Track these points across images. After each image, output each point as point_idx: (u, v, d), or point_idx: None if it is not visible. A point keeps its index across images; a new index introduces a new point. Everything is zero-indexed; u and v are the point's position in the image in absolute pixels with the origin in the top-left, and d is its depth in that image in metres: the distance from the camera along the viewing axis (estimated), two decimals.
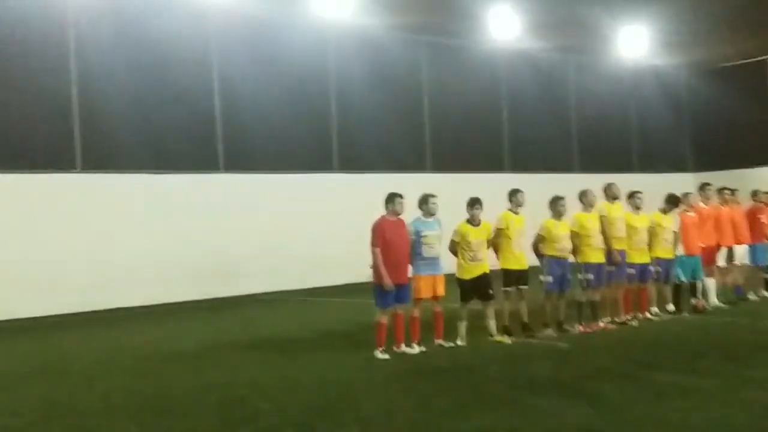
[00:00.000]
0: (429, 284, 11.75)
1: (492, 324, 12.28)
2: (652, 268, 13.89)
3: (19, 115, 18.04)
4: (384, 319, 11.38)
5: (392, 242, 11.30)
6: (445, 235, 12.06)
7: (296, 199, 20.85)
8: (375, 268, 11.31)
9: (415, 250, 11.76)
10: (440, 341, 11.96)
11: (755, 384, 9.25)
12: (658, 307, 14.22)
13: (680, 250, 14.42)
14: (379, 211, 11.67)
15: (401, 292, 11.44)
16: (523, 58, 26.16)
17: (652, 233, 13.91)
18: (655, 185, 16.29)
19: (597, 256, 13.00)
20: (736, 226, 15.66)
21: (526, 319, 12.65)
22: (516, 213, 12.59)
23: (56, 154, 18.49)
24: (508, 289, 12.52)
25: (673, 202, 14.33)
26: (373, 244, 11.32)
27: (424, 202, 11.89)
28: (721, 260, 15.45)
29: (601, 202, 13.45)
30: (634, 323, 13.52)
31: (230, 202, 20.22)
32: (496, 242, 12.49)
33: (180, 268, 19.28)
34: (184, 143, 20.08)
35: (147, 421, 8.56)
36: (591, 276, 12.91)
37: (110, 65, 18.97)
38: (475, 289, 12.09)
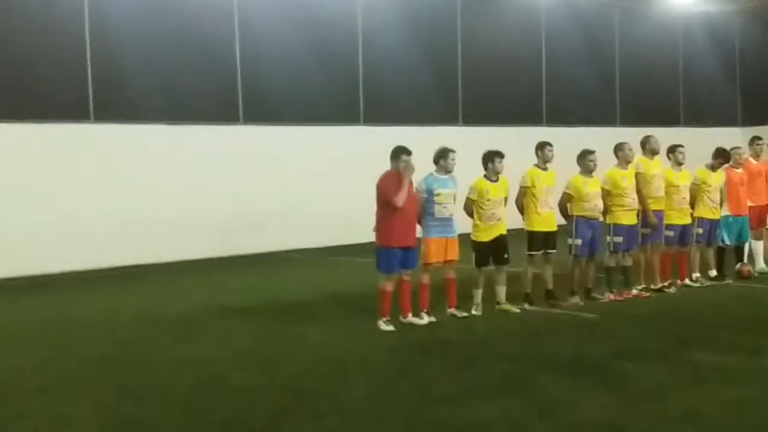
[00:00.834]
0: (440, 247, 10.39)
1: (501, 291, 10.93)
2: (693, 230, 12.31)
3: (31, 63, 16.83)
4: (388, 286, 10.07)
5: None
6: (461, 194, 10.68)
7: (320, 153, 19.47)
8: (377, 224, 9.97)
9: (426, 209, 10.39)
10: (453, 310, 10.63)
11: None
12: (700, 273, 12.68)
13: (726, 210, 12.80)
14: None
15: (408, 255, 10.12)
16: (565, 3, 24.33)
17: (696, 191, 12.35)
18: (701, 140, 14.69)
19: (629, 218, 11.52)
20: None
21: (550, 285, 11.25)
22: (544, 168, 11.13)
23: (69, 103, 17.29)
24: (533, 253, 11.09)
25: (721, 156, 12.70)
26: (383, 200, 9.95)
27: (442, 156, 10.49)
28: None
29: (638, 157, 11.90)
30: (672, 290, 12.05)
31: (251, 155, 18.89)
32: (520, 201, 11.05)
33: (198, 223, 18.09)
34: (203, 93, 18.73)
35: (103, 403, 7.40)
36: (620, 239, 11.41)
37: (126, 11, 17.68)
38: (492, 251, 10.69)
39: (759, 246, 13.50)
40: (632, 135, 12.89)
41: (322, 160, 19.44)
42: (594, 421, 6.50)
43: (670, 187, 11.98)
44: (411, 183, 10.16)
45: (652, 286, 11.94)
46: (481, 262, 10.70)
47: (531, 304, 10.98)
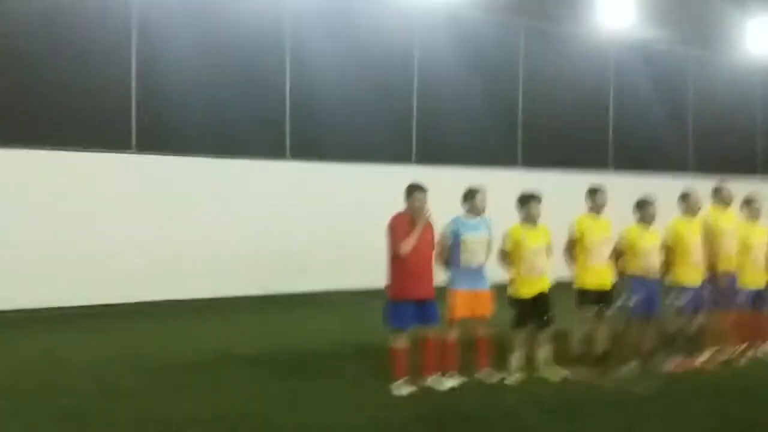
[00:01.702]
0: (468, 301, 8.78)
1: (542, 355, 9.21)
2: None
3: (74, 90, 15.79)
4: (400, 343, 8.47)
5: (414, 245, 8.40)
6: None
7: (369, 192, 17.96)
8: (388, 273, 8.41)
9: (452, 257, 8.78)
10: (486, 372, 8.93)
11: None
12: None
13: None
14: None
15: (425, 309, 8.51)
16: (636, 49, 22.50)
17: None
18: None
19: (694, 278, 9.72)
20: None
21: (601, 350, 9.46)
22: (596, 216, 9.42)
23: (111, 132, 16.19)
24: (584, 309, 9.36)
25: None
26: (393, 247, 8.41)
27: (469, 197, 8.92)
28: None
29: (707, 209, 10.10)
30: (742, 363, 10.11)
31: (296, 192, 17.56)
32: (570, 253, 9.36)
33: (237, 260, 16.78)
34: (249, 127, 17.46)
35: None
36: (684, 301, 9.61)
37: (173, 41, 16.56)
38: (534, 310, 9.00)
39: None
40: (706, 185, 11.06)
41: (371, 200, 17.93)
42: None
43: (744, 245, 10.14)
44: (430, 226, 8.59)
45: (720, 357, 10.06)
46: (519, 322, 9.02)
47: (576, 372, 9.21)
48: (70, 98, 15.63)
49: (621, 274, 9.50)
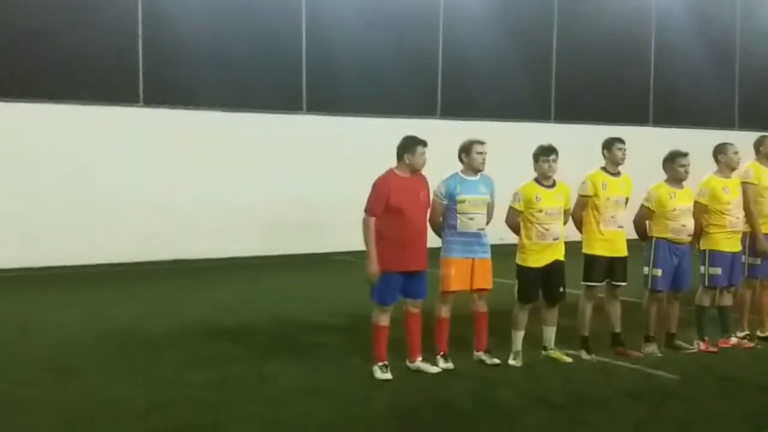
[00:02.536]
0: (464, 271, 7.35)
1: (551, 333, 7.77)
2: None
3: (77, 41, 14.57)
4: (384, 321, 7.10)
5: (401, 209, 6.97)
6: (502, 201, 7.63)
7: (390, 147, 16.52)
8: (366, 242, 7.02)
9: (446, 221, 7.37)
10: (481, 355, 7.58)
11: None
12: None
13: None
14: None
15: (413, 282, 7.11)
16: None
17: None
18: None
19: (731, 243, 8.14)
20: None
21: (617, 328, 8.02)
22: (614, 173, 7.90)
23: (117, 84, 14.97)
24: (592, 284, 7.88)
25: None
26: (368, 209, 7.00)
27: (466, 150, 7.46)
28: None
29: (748, 163, 8.52)
30: None
31: (313, 147, 16.22)
32: (578, 214, 7.88)
33: (250, 219, 15.57)
34: (264, 80, 16.12)
35: None
36: (719, 270, 8.06)
37: None
38: (543, 282, 7.56)
39: None
40: (751, 140, 9.41)
41: (391, 155, 16.50)
42: None
43: None
44: (424, 184, 7.19)
45: (759, 334, 8.56)
46: (526, 296, 7.58)
47: (589, 352, 7.80)
48: (72, 49, 14.54)
49: (646, 238, 7.99)
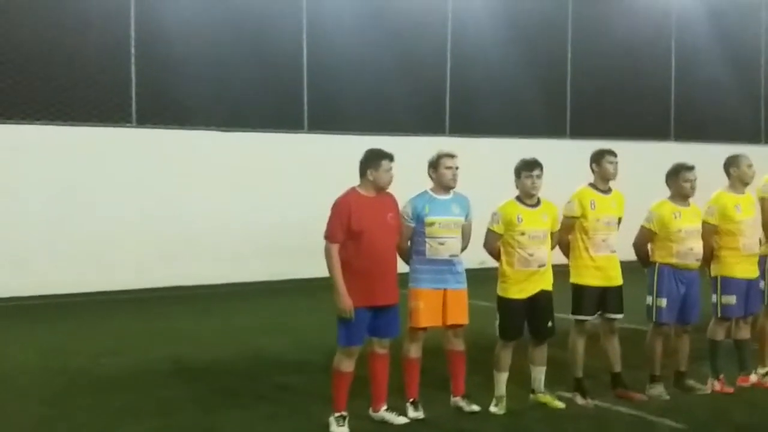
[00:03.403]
0: (435, 304, 6.31)
1: (539, 374, 6.67)
2: None
3: (69, 60, 13.79)
4: (347, 366, 6.04)
5: (365, 233, 5.93)
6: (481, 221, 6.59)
7: (397, 167, 15.51)
8: (331, 275, 6.00)
9: (414, 246, 6.34)
10: (459, 401, 6.49)
11: None
12: None
13: None
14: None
15: (382, 318, 6.06)
16: (701, 3, 19.34)
17: None
18: None
19: (746, 268, 7.01)
20: None
21: (617, 367, 6.91)
22: (603, 190, 6.81)
23: (109, 104, 14.16)
24: (583, 318, 6.77)
25: None
26: (327, 236, 5.99)
27: (433, 165, 6.46)
28: None
29: (765, 178, 7.39)
30: None
31: (315, 167, 15.22)
32: (564, 239, 6.80)
33: (248, 243, 14.60)
34: (263, 98, 15.20)
35: None
36: (733, 299, 6.94)
37: (175, 3, 14.49)
38: (528, 316, 6.48)
39: None
40: None
41: (401, 177, 15.49)
42: None
43: None
44: (393, 205, 6.18)
45: None
46: (509, 332, 6.50)
47: (585, 395, 6.69)
48: (64, 69, 13.76)
49: (648, 264, 6.89)
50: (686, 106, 19.29)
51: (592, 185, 6.85)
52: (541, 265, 6.41)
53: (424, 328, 6.33)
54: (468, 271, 6.46)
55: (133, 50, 14.19)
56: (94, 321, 10.92)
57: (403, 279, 6.27)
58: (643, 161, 14.18)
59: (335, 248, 5.91)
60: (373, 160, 6.07)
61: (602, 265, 6.69)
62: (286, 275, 14.53)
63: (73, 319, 11.09)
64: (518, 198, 6.52)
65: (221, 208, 14.45)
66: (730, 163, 7.09)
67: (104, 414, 6.51)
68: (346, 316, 5.84)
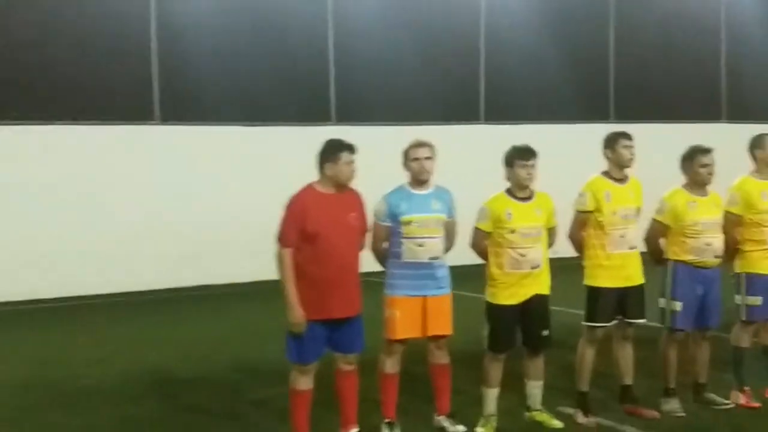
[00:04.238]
0: (414, 313, 5.53)
1: (536, 390, 5.83)
2: None
3: (90, 59, 13.36)
4: (303, 383, 5.29)
5: (322, 236, 5.17)
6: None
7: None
8: (282, 283, 5.28)
9: (390, 247, 5.58)
10: (443, 420, 5.71)
11: None
12: None
13: None
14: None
15: (342, 332, 5.30)
16: None
17: None
18: None
19: None
20: None
21: (629, 379, 6.04)
22: (618, 179, 5.94)
23: (132, 102, 13.71)
24: (595, 324, 5.90)
25: None
26: (279, 238, 5.27)
27: (409, 157, 5.67)
28: None
29: None
30: None
31: None
32: (577, 235, 5.95)
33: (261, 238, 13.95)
34: (288, 91, 14.56)
35: None
36: (759, 299, 6.01)
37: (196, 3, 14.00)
38: (522, 323, 5.67)
39: None
40: None
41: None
42: None
43: None
44: (357, 202, 5.43)
45: None
46: (499, 343, 5.68)
47: (587, 413, 5.84)
48: (86, 68, 13.32)
49: (661, 262, 6.01)
50: (738, 84, 18.00)
51: (606, 173, 5.98)
52: (535, 267, 5.60)
53: (402, 340, 5.58)
54: None
55: (155, 46, 13.70)
56: (99, 325, 10.42)
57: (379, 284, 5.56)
58: (698, 141, 13.16)
59: (288, 253, 5.19)
60: (330, 152, 5.30)
61: (620, 263, 5.80)
62: None
63: (89, 322, 10.66)
64: (508, 191, 5.71)
65: (249, 204, 13.86)
66: (756, 145, 6.15)
67: None
68: (297, 330, 5.12)
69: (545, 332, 5.69)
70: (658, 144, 13.02)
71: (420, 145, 5.60)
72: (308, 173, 5.62)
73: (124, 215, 13.13)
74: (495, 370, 5.69)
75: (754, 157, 6.13)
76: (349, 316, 5.26)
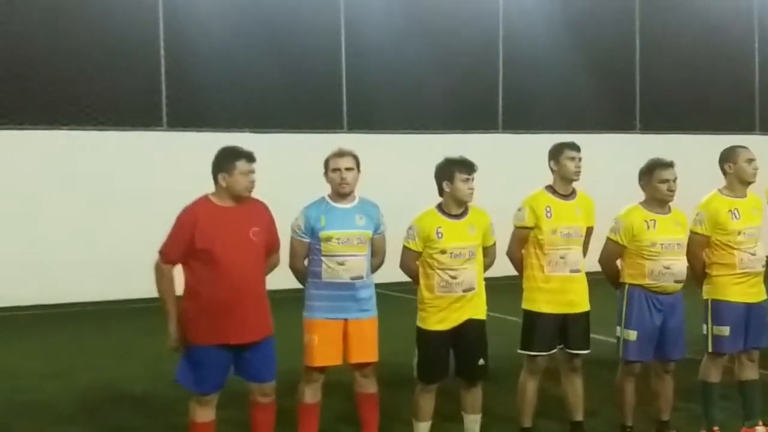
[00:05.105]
0: (333, 338, 5.02)
1: (473, 425, 5.23)
2: None
3: (97, 64, 13.19)
4: (203, 416, 4.78)
5: (215, 254, 4.65)
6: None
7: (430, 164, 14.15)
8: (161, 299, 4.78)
9: (309, 266, 5.06)
10: None
11: None
12: None
13: None
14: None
15: (249, 358, 4.77)
16: None
17: None
18: None
19: (744, 290, 5.34)
20: None
21: (579, 416, 5.41)
22: (563, 194, 5.35)
23: (139, 108, 13.47)
24: (535, 354, 5.31)
25: None
26: (161, 252, 4.77)
27: (329, 167, 5.16)
28: None
29: None
30: None
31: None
32: (516, 254, 5.37)
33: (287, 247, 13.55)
34: (298, 97, 14.17)
35: None
36: (727, 329, 5.31)
37: (205, 4, 13.67)
38: (457, 351, 5.11)
39: None
40: None
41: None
42: None
43: None
44: (263, 214, 4.92)
45: None
46: (428, 373, 5.12)
47: None
48: (93, 73, 13.14)
49: (620, 285, 5.37)
50: None
51: (550, 188, 5.40)
52: (468, 290, 5.02)
53: (321, 368, 5.05)
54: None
55: (162, 52, 13.46)
56: (84, 334, 10.14)
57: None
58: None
59: (168, 269, 4.68)
60: (225, 161, 4.75)
61: (559, 287, 5.22)
62: None
63: (63, 333, 10.37)
64: (439, 207, 5.16)
65: None
66: (725, 158, 5.44)
67: None
68: (175, 353, 4.63)
69: (481, 361, 5.11)
70: (688, 157, 12.43)
71: (341, 154, 5.09)
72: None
73: (130, 221, 12.88)
74: (426, 401, 5.13)
75: (724, 172, 5.43)
76: (255, 340, 4.74)
